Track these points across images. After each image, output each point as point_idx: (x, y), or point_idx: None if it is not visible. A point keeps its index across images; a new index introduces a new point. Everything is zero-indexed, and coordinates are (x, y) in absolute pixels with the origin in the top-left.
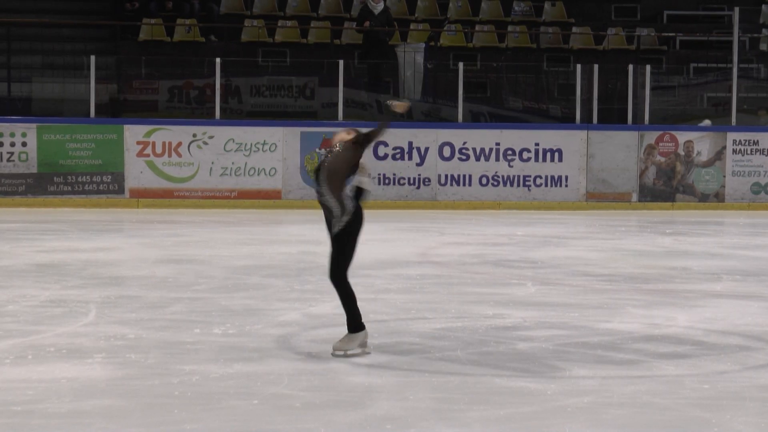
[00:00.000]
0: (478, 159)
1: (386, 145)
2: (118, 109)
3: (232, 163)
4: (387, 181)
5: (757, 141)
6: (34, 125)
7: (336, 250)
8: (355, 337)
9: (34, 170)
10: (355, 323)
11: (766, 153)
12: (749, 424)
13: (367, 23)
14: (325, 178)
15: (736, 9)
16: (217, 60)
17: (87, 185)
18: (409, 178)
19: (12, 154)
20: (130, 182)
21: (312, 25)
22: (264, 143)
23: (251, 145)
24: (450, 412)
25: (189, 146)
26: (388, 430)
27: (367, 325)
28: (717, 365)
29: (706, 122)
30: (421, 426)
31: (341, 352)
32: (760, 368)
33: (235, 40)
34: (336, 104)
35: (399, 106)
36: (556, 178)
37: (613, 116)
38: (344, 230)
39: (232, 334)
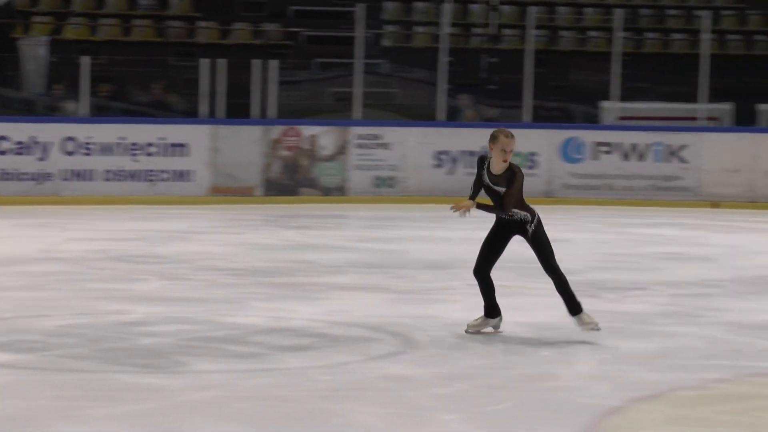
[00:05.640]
0: (102, 154)
1: (7, 139)
2: None
3: None
4: (7, 176)
5: (380, 135)
6: None
7: (540, 247)
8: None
9: None
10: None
11: (388, 147)
12: (372, 414)
13: None
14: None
15: (360, 5)
16: None
17: None
18: (31, 174)
19: None
20: None
21: None
22: None
23: None
24: (72, 410)
25: None
26: (9, 429)
27: None
28: (340, 356)
29: None
30: (43, 425)
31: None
32: (381, 358)
33: None
34: None
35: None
36: (181, 172)
37: (241, 111)
38: (537, 229)
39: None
